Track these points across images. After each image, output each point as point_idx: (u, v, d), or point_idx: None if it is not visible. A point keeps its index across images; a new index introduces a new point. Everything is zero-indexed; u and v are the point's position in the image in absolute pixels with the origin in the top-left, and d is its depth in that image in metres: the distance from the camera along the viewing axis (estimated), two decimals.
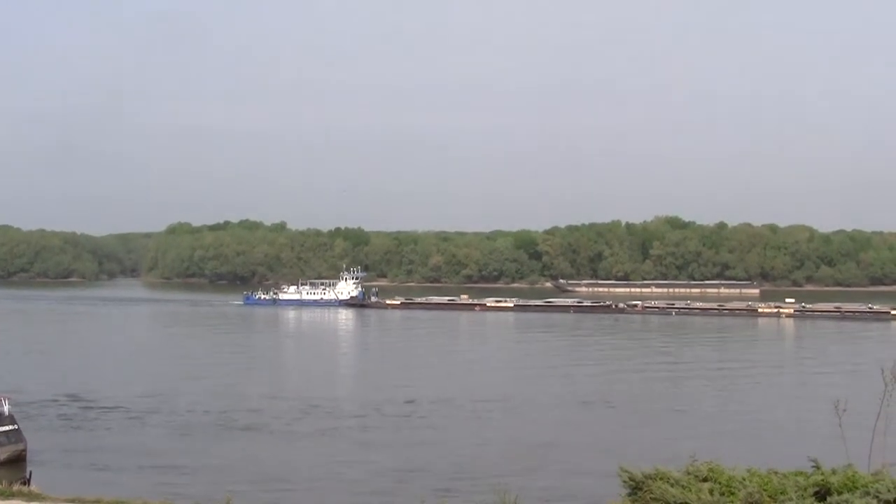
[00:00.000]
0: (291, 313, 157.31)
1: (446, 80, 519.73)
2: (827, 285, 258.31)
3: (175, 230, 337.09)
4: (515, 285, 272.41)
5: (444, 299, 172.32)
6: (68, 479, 36.98)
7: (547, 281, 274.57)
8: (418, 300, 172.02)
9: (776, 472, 16.46)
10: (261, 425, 50.79)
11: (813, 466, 16.61)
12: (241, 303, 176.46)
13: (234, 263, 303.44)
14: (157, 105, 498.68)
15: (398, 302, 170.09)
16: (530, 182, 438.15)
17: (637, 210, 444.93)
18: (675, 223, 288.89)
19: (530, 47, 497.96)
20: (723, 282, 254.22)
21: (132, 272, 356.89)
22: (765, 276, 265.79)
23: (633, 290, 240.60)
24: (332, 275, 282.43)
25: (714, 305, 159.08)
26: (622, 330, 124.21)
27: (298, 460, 43.31)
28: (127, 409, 55.41)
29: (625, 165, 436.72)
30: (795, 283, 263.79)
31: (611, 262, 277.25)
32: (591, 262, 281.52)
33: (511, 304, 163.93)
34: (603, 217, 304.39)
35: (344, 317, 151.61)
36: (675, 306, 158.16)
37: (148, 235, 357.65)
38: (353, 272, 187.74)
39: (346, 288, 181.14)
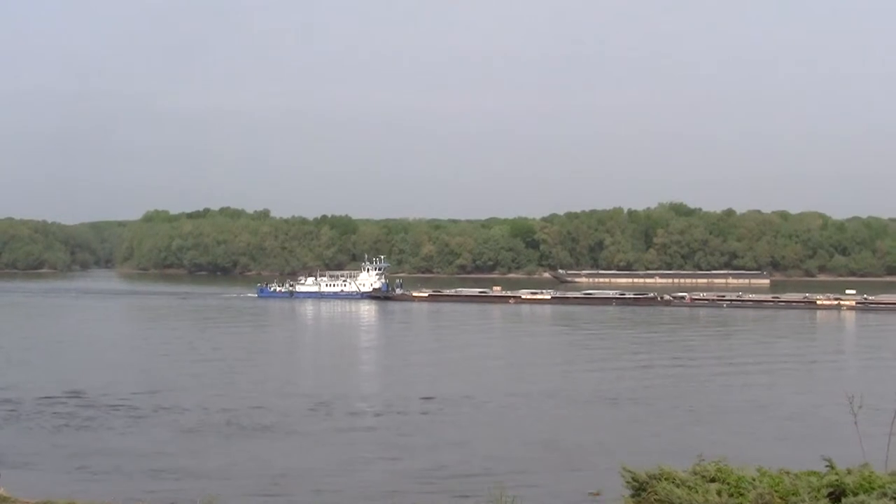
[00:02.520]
0: (309, 307, 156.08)
1: (438, 58, 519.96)
2: (841, 275, 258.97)
3: (152, 218, 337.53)
4: (512, 275, 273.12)
5: (475, 291, 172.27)
6: (49, 482, 36.65)
7: (545, 271, 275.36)
8: (447, 292, 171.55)
9: (788, 472, 16.31)
10: (272, 425, 50.34)
11: (827, 466, 16.50)
12: (255, 295, 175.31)
13: (215, 253, 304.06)
14: (133, 88, 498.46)
15: (425, 294, 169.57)
16: (527, 167, 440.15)
17: (640, 196, 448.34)
18: (680, 210, 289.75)
19: (529, 23, 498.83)
20: (731, 271, 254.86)
21: (106, 263, 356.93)
22: (775, 266, 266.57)
23: (635, 280, 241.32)
24: (319, 265, 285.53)
25: (768, 297, 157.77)
26: (669, 323, 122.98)
27: (310, 461, 42.87)
28: (128, 407, 54.84)
29: (627, 149, 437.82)
30: (808, 273, 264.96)
31: (612, 250, 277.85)
32: (592, 250, 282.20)
33: (548, 297, 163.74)
34: (604, 203, 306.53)
35: (366, 310, 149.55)
36: (726, 298, 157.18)
37: (123, 224, 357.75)
38: (376, 262, 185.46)
39: (369, 279, 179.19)
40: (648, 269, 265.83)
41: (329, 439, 47.64)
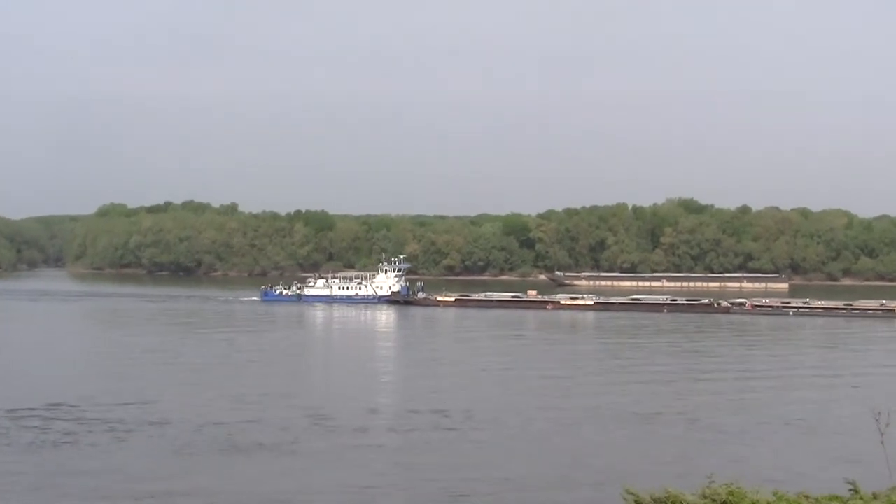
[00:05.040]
0: (319, 312, 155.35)
1: (426, 41, 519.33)
2: (867, 279, 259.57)
3: (107, 212, 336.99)
4: (504, 277, 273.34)
5: (508, 296, 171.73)
6: None
7: (541, 273, 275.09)
8: (476, 297, 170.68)
9: (807, 496, 16.08)
10: (271, 442, 49.91)
11: (851, 490, 16.24)
12: (258, 298, 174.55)
13: (177, 251, 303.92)
14: (86, 72, 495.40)
15: (451, 299, 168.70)
16: (522, 159, 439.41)
17: (645, 191, 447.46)
18: (690, 206, 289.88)
19: (529, 4, 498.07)
20: (746, 275, 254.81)
21: (56, 261, 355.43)
22: (795, 269, 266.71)
23: (640, 283, 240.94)
24: (290, 265, 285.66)
25: (840, 304, 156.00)
26: (727, 333, 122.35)
27: (315, 485, 42.70)
28: (112, 421, 54.35)
29: (632, 141, 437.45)
30: (831, 277, 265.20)
31: (615, 251, 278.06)
32: (593, 251, 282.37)
33: (591, 302, 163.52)
34: (606, 199, 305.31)
35: (384, 316, 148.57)
36: (792, 305, 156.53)
37: (75, 219, 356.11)
38: (395, 263, 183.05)
39: (387, 281, 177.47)
40: (655, 271, 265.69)
41: (339, 459, 47.13)
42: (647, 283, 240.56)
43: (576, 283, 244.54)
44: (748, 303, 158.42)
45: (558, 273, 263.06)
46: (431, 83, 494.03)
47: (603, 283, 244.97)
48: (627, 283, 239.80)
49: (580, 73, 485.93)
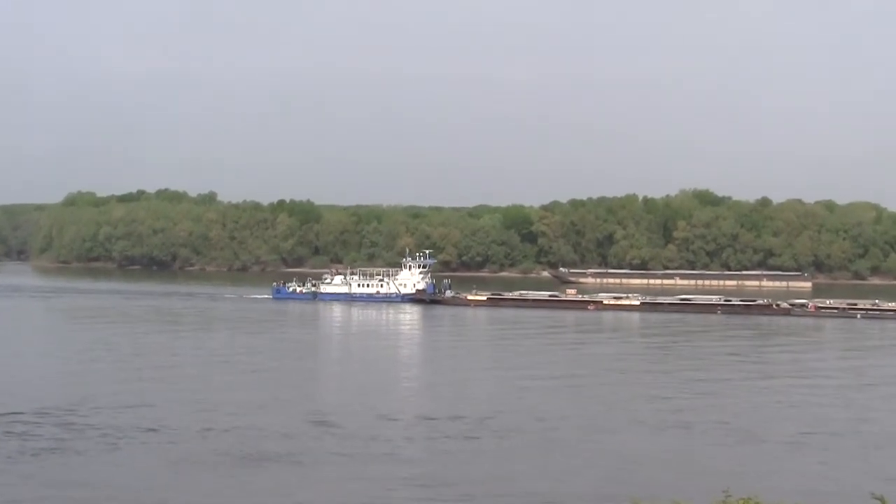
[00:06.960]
0: (337, 311, 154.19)
1: (420, 26, 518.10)
2: None
3: (75, 201, 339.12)
4: (504, 274, 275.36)
5: (545, 295, 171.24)
6: None
7: (544, 269, 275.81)
8: (509, 296, 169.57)
9: None
10: (279, 453, 48.95)
11: None
12: (269, 296, 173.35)
13: (151, 244, 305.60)
14: (43, 44, 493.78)
15: (483, 298, 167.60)
16: (524, 145, 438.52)
17: (657, 182, 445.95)
18: (705, 198, 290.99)
19: None
20: (765, 272, 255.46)
21: (19, 254, 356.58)
22: (819, 267, 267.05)
23: (651, 280, 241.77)
24: (273, 259, 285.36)
25: None
26: (792, 337, 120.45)
27: (321, 499, 42.24)
28: (107, 427, 53.54)
29: (642, 127, 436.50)
30: (857, 275, 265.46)
31: (624, 246, 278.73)
32: (600, 245, 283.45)
33: (636, 302, 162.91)
34: (614, 190, 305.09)
35: (408, 316, 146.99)
36: (859, 307, 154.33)
37: (40, 208, 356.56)
38: (419, 258, 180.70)
39: (411, 278, 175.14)
40: (667, 268, 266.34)
41: (348, 471, 46.88)
42: (658, 281, 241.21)
43: (581, 280, 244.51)
44: (811, 304, 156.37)
45: (562, 269, 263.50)
46: (425, 68, 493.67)
47: (611, 280, 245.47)
48: (637, 281, 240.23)
49: (585, 59, 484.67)
